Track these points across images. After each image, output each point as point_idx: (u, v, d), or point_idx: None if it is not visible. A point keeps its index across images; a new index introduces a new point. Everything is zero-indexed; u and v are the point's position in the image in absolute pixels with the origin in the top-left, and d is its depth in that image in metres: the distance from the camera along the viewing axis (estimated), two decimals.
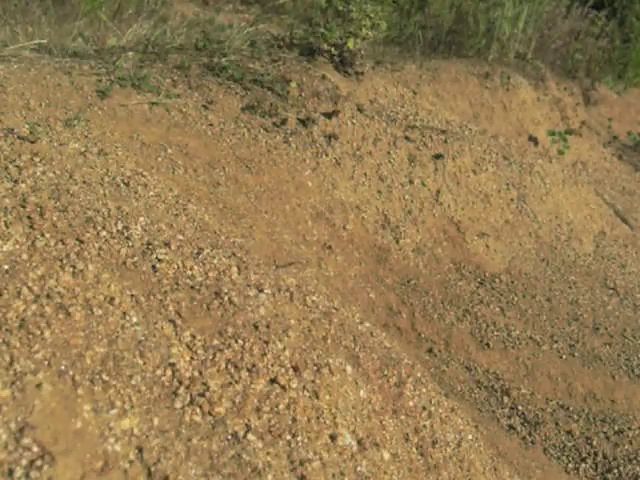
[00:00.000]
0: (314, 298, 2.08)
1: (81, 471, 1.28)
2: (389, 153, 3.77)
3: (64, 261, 1.67)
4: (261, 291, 1.93)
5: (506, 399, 2.93)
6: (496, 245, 3.91)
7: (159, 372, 1.54)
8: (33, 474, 1.23)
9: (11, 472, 1.22)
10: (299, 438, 1.59)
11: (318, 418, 1.66)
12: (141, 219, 1.98)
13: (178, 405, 1.50)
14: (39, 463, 1.24)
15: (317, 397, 1.70)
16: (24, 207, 1.80)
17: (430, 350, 3.12)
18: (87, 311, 1.56)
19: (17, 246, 1.66)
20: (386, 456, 1.75)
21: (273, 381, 1.66)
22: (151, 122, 2.91)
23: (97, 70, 3.09)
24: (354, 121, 3.71)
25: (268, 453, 1.52)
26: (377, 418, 1.83)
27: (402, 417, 1.93)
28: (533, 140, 5.72)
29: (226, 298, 1.81)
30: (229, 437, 1.50)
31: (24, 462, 1.24)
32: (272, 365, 1.70)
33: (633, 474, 2.65)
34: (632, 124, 7.15)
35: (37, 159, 2.10)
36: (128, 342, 1.55)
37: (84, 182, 2.09)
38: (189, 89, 3.32)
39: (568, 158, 5.81)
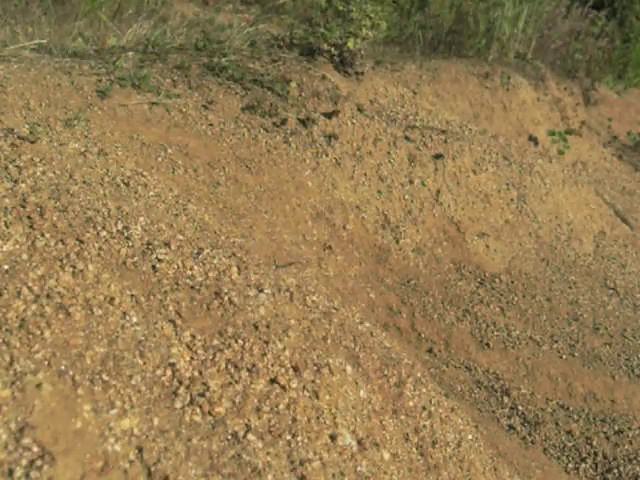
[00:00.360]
0: (314, 298, 2.07)
1: (81, 471, 1.28)
2: (389, 153, 3.77)
3: (64, 261, 1.67)
4: (261, 291, 1.93)
5: (506, 399, 2.93)
6: (496, 245, 3.91)
7: (159, 372, 1.54)
8: (33, 474, 1.23)
9: (11, 472, 1.22)
10: (299, 438, 1.59)
11: (318, 418, 1.66)
12: (141, 219, 1.98)
13: (178, 405, 1.50)
14: (39, 463, 1.24)
15: (317, 397, 1.70)
16: (24, 207, 1.80)
17: (430, 350, 3.12)
18: (87, 311, 1.56)
19: (17, 246, 1.66)
20: (386, 456, 1.75)
21: (273, 381, 1.66)
22: (151, 122, 2.91)
23: (97, 70, 3.09)
24: (354, 121, 3.71)
25: (268, 453, 1.52)
26: (377, 418, 1.83)
27: (402, 417, 1.93)
28: (533, 140, 5.72)
29: (226, 298, 1.81)
30: (229, 437, 1.50)
31: (24, 462, 1.24)
32: (272, 365, 1.70)
33: (633, 474, 2.65)
34: (632, 124, 7.16)
35: (37, 159, 2.10)
36: (128, 342, 1.55)
37: (84, 182, 2.09)
38: (189, 89, 3.32)
39: (568, 158, 5.81)
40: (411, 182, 3.78)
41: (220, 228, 2.34)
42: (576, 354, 3.28)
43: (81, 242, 1.76)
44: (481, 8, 5.89)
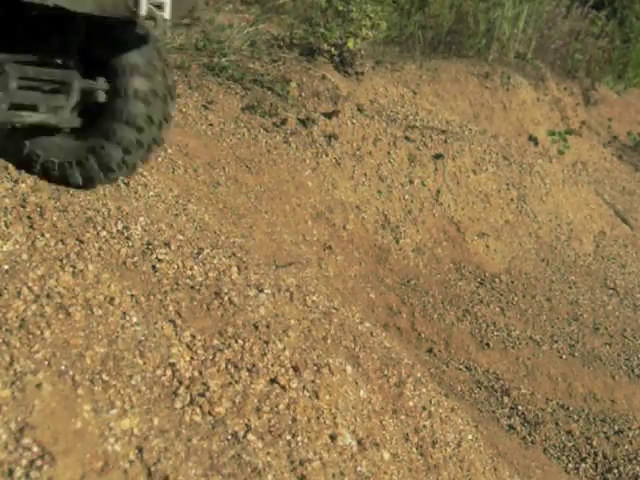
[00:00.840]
0: (314, 298, 2.07)
1: (81, 471, 1.28)
2: (389, 153, 3.77)
3: (64, 261, 1.67)
4: (261, 291, 1.93)
5: (506, 399, 2.93)
6: (496, 245, 3.91)
7: (159, 372, 1.54)
8: (33, 474, 1.23)
9: (11, 472, 1.22)
10: (299, 438, 1.59)
11: (318, 418, 1.66)
12: (141, 219, 1.98)
13: (178, 405, 1.50)
14: (39, 463, 1.24)
15: (317, 397, 1.70)
16: (24, 207, 1.80)
17: (430, 350, 3.12)
18: (87, 311, 1.56)
19: (17, 246, 1.66)
20: (386, 456, 1.75)
21: (273, 381, 1.66)
22: None
23: None
24: (354, 121, 3.71)
25: (268, 453, 1.52)
26: (377, 418, 1.83)
27: (402, 417, 1.93)
28: (533, 140, 5.72)
29: (226, 298, 1.81)
30: (229, 437, 1.50)
31: (24, 462, 1.24)
32: (272, 365, 1.70)
33: (633, 474, 2.65)
34: (632, 124, 7.16)
35: None
36: (128, 342, 1.55)
37: None
38: (189, 89, 3.32)
39: (568, 158, 5.81)
40: (411, 182, 3.78)
41: (220, 228, 2.34)
42: (576, 354, 3.28)
43: (81, 242, 1.76)
44: (481, 8, 5.90)
